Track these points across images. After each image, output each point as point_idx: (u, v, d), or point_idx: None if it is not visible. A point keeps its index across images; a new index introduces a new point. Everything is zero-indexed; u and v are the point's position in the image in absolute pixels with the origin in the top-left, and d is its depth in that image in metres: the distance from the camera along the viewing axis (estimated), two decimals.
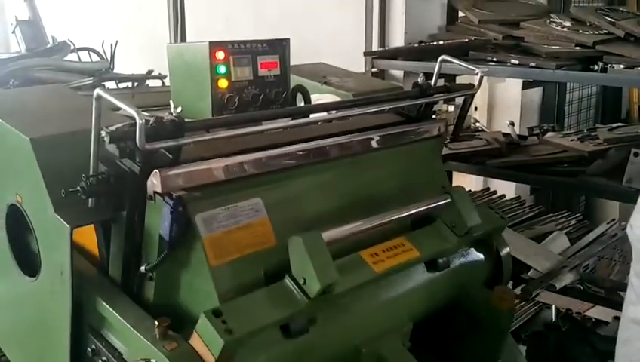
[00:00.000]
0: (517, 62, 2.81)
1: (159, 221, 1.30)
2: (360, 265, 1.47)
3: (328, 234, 1.38)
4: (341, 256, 1.44)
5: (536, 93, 4.54)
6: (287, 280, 1.32)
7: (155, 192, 1.30)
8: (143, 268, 1.38)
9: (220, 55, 1.65)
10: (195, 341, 1.22)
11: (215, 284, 1.30)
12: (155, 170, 1.28)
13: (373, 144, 1.68)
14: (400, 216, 1.57)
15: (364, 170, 1.66)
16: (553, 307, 2.48)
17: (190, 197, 1.29)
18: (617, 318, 2.40)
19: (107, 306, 1.39)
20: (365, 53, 3.33)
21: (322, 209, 1.55)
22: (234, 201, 1.38)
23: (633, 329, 1.51)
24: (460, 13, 3.58)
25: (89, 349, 1.45)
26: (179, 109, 1.32)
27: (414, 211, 1.61)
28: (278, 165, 1.47)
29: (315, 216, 1.52)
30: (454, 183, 2.94)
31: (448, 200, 1.65)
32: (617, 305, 2.45)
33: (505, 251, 1.83)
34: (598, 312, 2.51)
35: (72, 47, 3.35)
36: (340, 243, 1.43)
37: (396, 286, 1.58)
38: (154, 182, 1.29)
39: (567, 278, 2.66)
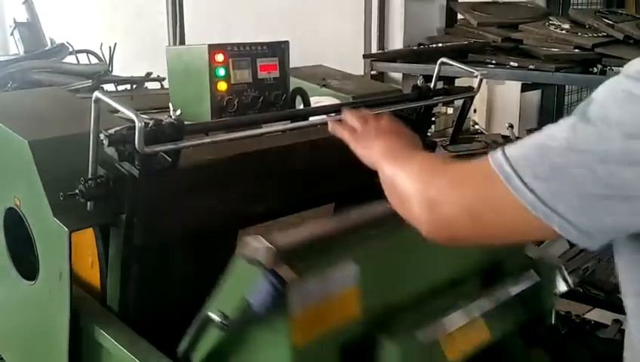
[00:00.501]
0: (516, 64, 2.81)
1: (249, 284, 1.16)
2: (437, 356, 1.35)
3: (422, 333, 1.28)
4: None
5: (535, 95, 4.55)
6: None
7: (257, 260, 1.16)
8: (215, 317, 1.22)
9: (219, 58, 1.65)
10: None
11: None
12: (267, 244, 1.15)
13: None
14: (488, 304, 1.47)
15: None
16: (553, 309, 2.47)
17: (291, 274, 1.15)
18: (617, 321, 2.40)
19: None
20: (364, 56, 3.33)
21: (411, 277, 1.42)
22: (329, 268, 1.23)
23: None
24: (459, 16, 3.58)
25: None
26: (178, 112, 1.32)
27: (502, 298, 1.51)
28: (375, 224, 1.35)
29: (403, 286, 1.39)
30: None
31: (537, 280, 1.57)
32: (617, 307, 2.45)
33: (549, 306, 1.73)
34: (597, 315, 2.51)
35: (71, 50, 3.35)
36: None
37: None
38: (261, 252, 1.15)
39: None
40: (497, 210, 0.93)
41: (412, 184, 1.05)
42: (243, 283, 1.17)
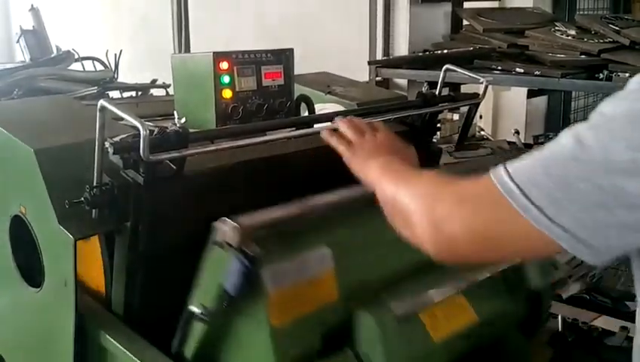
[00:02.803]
0: (522, 70, 2.80)
1: (223, 269, 1.20)
2: (420, 334, 1.37)
3: (397, 308, 1.30)
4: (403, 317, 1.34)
5: (541, 101, 4.53)
6: (350, 355, 1.26)
7: (226, 243, 1.19)
8: (196, 310, 1.27)
9: (224, 65, 1.65)
10: None
11: (274, 347, 1.20)
12: (231, 221, 1.18)
13: None
14: (468, 281, 1.49)
15: None
16: (559, 317, 2.47)
17: (262, 253, 1.19)
18: (624, 328, 2.39)
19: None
20: (369, 62, 3.33)
21: (387, 257, 1.43)
22: (302, 250, 1.26)
23: None
24: (465, 22, 3.58)
25: None
26: (183, 120, 1.32)
27: (486, 276, 1.52)
28: (350, 209, 1.37)
29: (379, 266, 1.41)
30: None
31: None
32: (624, 315, 2.43)
33: (548, 298, 1.74)
34: (604, 322, 2.49)
35: (77, 57, 3.36)
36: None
37: None
38: (228, 232, 1.18)
39: (573, 288, 2.64)
40: (502, 228, 0.91)
41: (416, 204, 1.03)
42: (218, 270, 1.21)
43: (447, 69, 1.86)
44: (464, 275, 1.50)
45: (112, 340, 1.38)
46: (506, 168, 0.92)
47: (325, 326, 1.28)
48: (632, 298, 1.58)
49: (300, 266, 1.25)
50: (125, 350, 1.35)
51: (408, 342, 1.35)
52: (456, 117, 3.30)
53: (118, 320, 1.44)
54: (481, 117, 4.19)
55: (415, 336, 1.38)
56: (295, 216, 1.29)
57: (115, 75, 3.23)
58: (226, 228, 1.19)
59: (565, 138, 0.88)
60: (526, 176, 0.89)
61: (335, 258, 1.29)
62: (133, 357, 1.33)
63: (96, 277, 1.51)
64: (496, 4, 4.07)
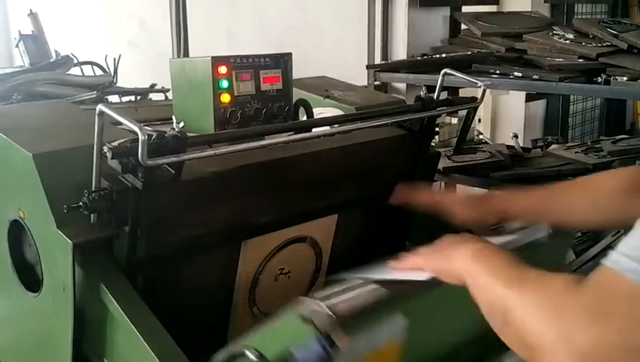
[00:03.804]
0: (520, 74, 2.81)
1: (298, 341, 1.12)
2: None
3: None
4: None
5: (539, 105, 4.54)
6: None
7: (313, 322, 1.11)
8: (249, 353, 1.17)
9: (223, 70, 1.65)
10: None
11: None
12: (330, 313, 1.10)
13: None
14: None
15: None
16: None
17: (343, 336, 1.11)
18: None
19: None
20: (368, 66, 3.33)
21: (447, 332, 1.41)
22: (376, 322, 1.19)
23: None
24: (463, 26, 3.58)
25: None
26: (181, 124, 1.32)
27: None
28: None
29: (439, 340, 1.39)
30: None
31: None
32: None
33: None
34: None
35: (76, 61, 3.37)
36: None
37: None
38: (322, 317, 1.10)
39: None
40: None
41: (541, 325, 0.86)
42: (291, 338, 1.13)
43: (446, 73, 1.87)
44: None
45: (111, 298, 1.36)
46: (621, 253, 0.82)
47: None
48: None
49: (371, 339, 1.19)
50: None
51: None
52: (454, 121, 3.31)
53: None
54: (479, 121, 4.20)
55: None
56: (382, 297, 1.21)
57: (114, 80, 3.23)
58: (316, 309, 1.11)
59: None
60: None
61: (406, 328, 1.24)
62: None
63: None
64: (494, 9, 4.08)
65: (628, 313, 0.79)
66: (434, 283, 1.21)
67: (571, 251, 3.06)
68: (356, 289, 1.21)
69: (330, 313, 1.10)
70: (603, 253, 3.06)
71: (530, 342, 0.86)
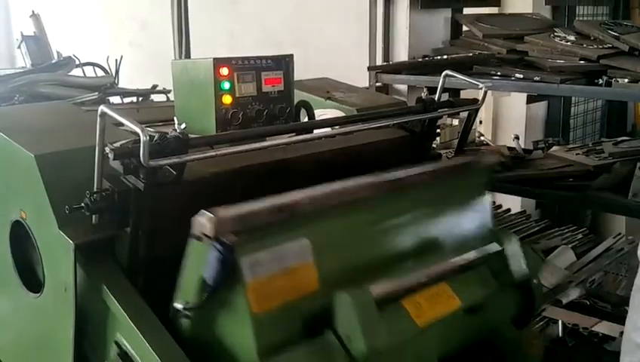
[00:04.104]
0: (521, 76, 2.81)
1: (202, 261, 1.23)
2: (403, 319, 1.41)
3: (376, 289, 1.32)
4: (383, 300, 1.38)
5: (541, 106, 4.53)
6: (330, 336, 1.27)
7: (203, 234, 1.23)
8: (179, 306, 1.30)
9: (224, 71, 1.66)
10: None
11: (255, 333, 1.23)
12: (207, 213, 1.21)
13: (425, 178, 1.61)
14: (449, 267, 1.53)
15: (414, 206, 1.59)
16: (560, 322, 2.46)
17: (239, 242, 1.22)
18: None
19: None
20: (369, 68, 3.33)
21: (370, 249, 1.48)
22: (281, 242, 1.29)
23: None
24: (464, 28, 3.58)
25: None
26: (183, 126, 1.32)
27: (463, 262, 1.57)
28: (329, 202, 1.40)
29: (361, 258, 1.45)
30: None
31: (498, 249, 1.62)
32: (624, 320, 2.43)
33: (537, 289, 1.76)
34: (604, 327, 2.49)
35: (77, 62, 3.37)
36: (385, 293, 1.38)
37: (430, 330, 1.50)
38: (204, 223, 1.21)
39: (573, 293, 2.64)
40: None
41: None
42: (198, 264, 1.24)
43: (447, 75, 1.87)
44: (447, 264, 1.55)
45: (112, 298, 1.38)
46: None
47: (307, 313, 1.31)
48: None
49: (278, 257, 1.28)
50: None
51: (390, 324, 1.36)
52: (455, 122, 3.30)
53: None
54: (480, 122, 4.19)
55: (397, 320, 1.41)
56: (274, 209, 1.31)
57: (116, 81, 3.23)
58: (203, 220, 1.21)
59: None
60: None
61: (316, 250, 1.33)
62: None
63: None
64: (495, 10, 4.08)
65: None
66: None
67: (572, 252, 3.06)
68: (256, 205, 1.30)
69: (211, 215, 1.20)
70: (604, 254, 3.06)
71: None
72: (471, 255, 1.59)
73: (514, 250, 1.64)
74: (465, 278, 1.59)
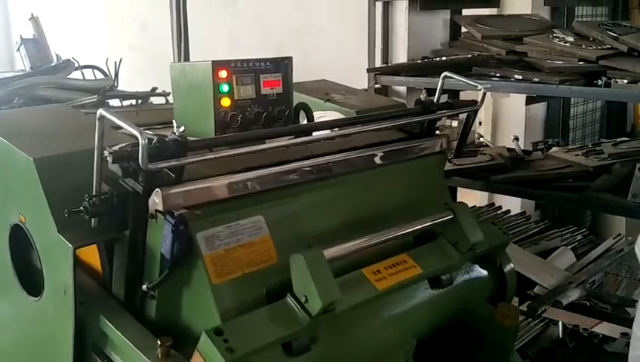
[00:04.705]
0: (520, 77, 2.80)
1: (161, 239, 1.30)
2: (362, 283, 1.47)
3: (330, 252, 1.38)
4: (343, 273, 1.44)
5: (540, 107, 4.53)
6: (289, 299, 1.31)
7: (156, 211, 1.30)
8: (144, 287, 1.37)
9: (223, 74, 1.66)
10: (197, 360, 1.21)
11: (216, 302, 1.30)
12: (157, 189, 1.28)
13: (377, 160, 1.69)
14: (401, 232, 1.58)
15: (366, 186, 1.66)
16: (560, 323, 2.46)
17: (192, 215, 1.29)
18: (625, 334, 2.38)
19: (109, 324, 1.39)
20: (368, 70, 3.34)
21: (325, 226, 1.55)
22: (236, 219, 1.38)
23: None
24: (463, 29, 3.58)
25: None
26: (182, 128, 1.32)
27: (416, 228, 1.61)
28: (281, 182, 1.48)
29: (317, 233, 1.52)
30: (459, 199, 2.93)
31: (450, 216, 1.65)
32: (624, 321, 2.43)
33: (509, 267, 1.83)
34: (605, 328, 2.48)
35: (77, 65, 3.37)
36: (342, 260, 1.43)
37: (399, 303, 1.58)
38: (155, 200, 1.29)
39: (573, 294, 2.64)
40: None
41: None
42: (156, 241, 1.32)
43: (446, 76, 1.87)
44: (404, 235, 1.60)
45: (111, 326, 1.40)
46: None
47: (270, 285, 1.37)
48: (633, 304, 1.59)
49: (234, 231, 1.36)
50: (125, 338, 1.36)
51: (348, 287, 1.41)
52: (455, 123, 3.30)
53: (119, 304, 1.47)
54: (480, 123, 4.19)
55: (356, 284, 1.45)
56: (226, 185, 1.39)
57: (115, 84, 3.24)
58: (155, 198, 1.29)
59: None
60: None
61: (272, 225, 1.42)
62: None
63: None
64: (494, 11, 4.08)
65: None
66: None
67: (572, 253, 3.06)
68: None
69: (159, 190, 1.28)
70: (604, 255, 3.06)
71: None
72: (426, 221, 1.63)
73: (467, 220, 1.66)
74: (425, 249, 1.64)
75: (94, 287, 1.51)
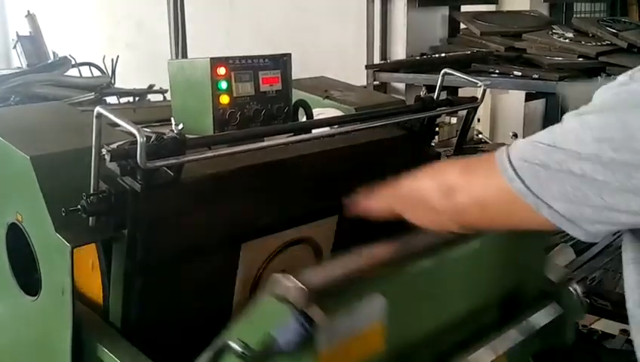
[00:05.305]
0: (519, 74, 2.80)
1: (276, 322, 1.12)
2: None
3: None
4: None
5: (539, 104, 4.53)
6: None
7: (287, 299, 1.11)
8: (233, 344, 1.16)
9: (221, 71, 1.64)
10: None
11: None
12: (301, 286, 1.10)
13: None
14: (511, 344, 1.50)
15: (474, 266, 1.49)
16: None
17: (320, 313, 1.11)
18: (624, 331, 2.38)
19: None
20: (367, 67, 3.33)
21: (432, 307, 1.40)
22: (355, 300, 1.19)
23: None
24: (462, 25, 3.58)
25: None
26: (180, 126, 1.31)
27: (524, 335, 1.53)
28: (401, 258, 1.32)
29: (428, 319, 1.39)
30: None
31: (560, 312, 1.60)
32: (624, 318, 2.42)
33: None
34: (604, 325, 2.48)
35: (73, 62, 3.36)
36: None
37: None
38: (291, 291, 1.10)
39: None
40: (498, 199, 1.02)
41: (429, 181, 1.14)
42: (270, 320, 1.13)
43: (445, 73, 1.86)
44: (508, 329, 1.52)
45: (109, 353, 1.36)
46: (507, 146, 1.04)
47: None
48: None
49: (354, 320, 1.19)
50: None
51: None
52: (454, 120, 3.30)
53: (116, 331, 1.43)
54: (479, 120, 4.19)
55: None
56: (357, 271, 1.22)
57: (112, 81, 3.22)
58: (289, 285, 1.11)
59: (556, 125, 1.00)
60: (519, 154, 1.01)
61: (387, 308, 1.23)
62: None
63: (95, 288, 1.50)
64: (493, 8, 4.07)
65: (484, 176, 1.05)
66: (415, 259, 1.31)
67: (572, 250, 3.05)
68: (331, 265, 1.26)
69: (302, 286, 1.11)
70: (604, 252, 3.06)
71: (428, 204, 1.14)
72: (533, 324, 1.55)
73: (572, 318, 1.62)
74: (518, 344, 1.53)
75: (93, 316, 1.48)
